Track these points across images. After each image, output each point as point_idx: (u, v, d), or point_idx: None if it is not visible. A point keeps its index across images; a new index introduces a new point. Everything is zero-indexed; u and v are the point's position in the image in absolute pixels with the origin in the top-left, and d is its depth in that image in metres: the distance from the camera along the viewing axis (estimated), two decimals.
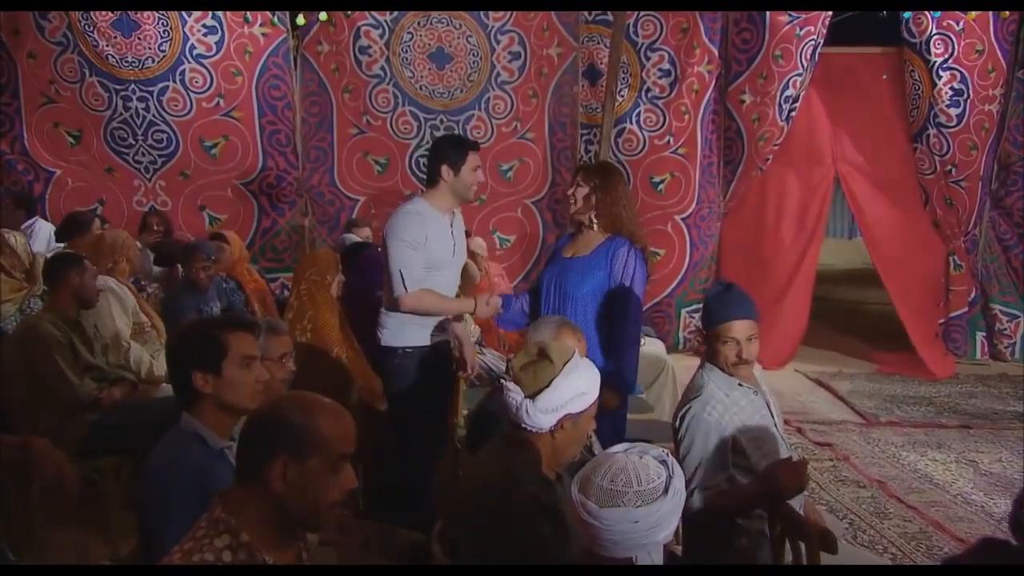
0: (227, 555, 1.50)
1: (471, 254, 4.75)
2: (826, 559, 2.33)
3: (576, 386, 2.04)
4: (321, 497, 1.55)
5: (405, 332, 3.37)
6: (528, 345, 2.30)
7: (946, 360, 7.12)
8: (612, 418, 3.31)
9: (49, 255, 5.16)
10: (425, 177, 3.59)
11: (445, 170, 3.35)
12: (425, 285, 3.32)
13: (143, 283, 4.97)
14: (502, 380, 2.12)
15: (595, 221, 3.37)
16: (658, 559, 1.74)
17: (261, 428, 1.58)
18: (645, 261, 3.37)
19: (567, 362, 2.05)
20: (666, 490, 1.67)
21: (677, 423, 2.65)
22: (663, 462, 1.72)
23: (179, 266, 5.01)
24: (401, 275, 3.27)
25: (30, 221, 5.93)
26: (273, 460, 1.52)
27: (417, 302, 3.30)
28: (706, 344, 2.71)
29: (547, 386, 2.01)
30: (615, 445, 1.83)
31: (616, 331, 3.27)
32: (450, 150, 3.39)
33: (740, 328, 2.61)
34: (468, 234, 4.51)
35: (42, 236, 5.75)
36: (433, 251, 3.32)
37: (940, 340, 7.28)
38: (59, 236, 5.35)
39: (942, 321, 7.28)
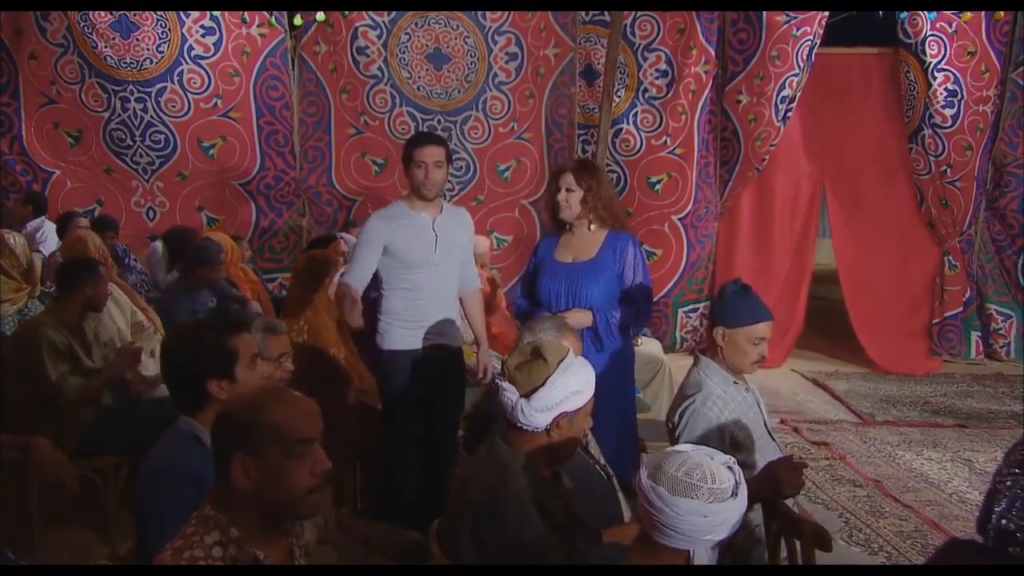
0: (217, 551, 1.51)
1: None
2: (821, 557, 2.35)
3: (571, 384, 2.04)
4: (290, 485, 1.54)
5: (389, 335, 3.39)
6: (523, 344, 2.31)
7: (929, 360, 7.21)
8: (623, 419, 3.36)
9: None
10: None
11: (406, 170, 3.39)
12: (404, 285, 3.35)
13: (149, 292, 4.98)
14: (497, 380, 2.13)
15: (593, 221, 3.40)
16: (713, 559, 1.77)
17: (217, 430, 1.60)
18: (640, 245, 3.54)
19: (561, 361, 2.05)
20: (734, 493, 1.70)
21: (676, 418, 2.65)
22: (730, 468, 1.75)
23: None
24: (348, 265, 3.50)
25: (36, 221, 5.92)
26: (232, 459, 1.53)
27: (338, 293, 3.48)
28: (726, 342, 2.67)
29: (542, 385, 2.01)
30: (679, 445, 1.86)
31: (638, 316, 3.42)
32: (404, 150, 3.41)
33: (765, 330, 2.66)
34: None
35: (52, 238, 5.73)
36: (403, 250, 3.33)
37: (926, 339, 7.33)
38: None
39: (937, 321, 7.31)
